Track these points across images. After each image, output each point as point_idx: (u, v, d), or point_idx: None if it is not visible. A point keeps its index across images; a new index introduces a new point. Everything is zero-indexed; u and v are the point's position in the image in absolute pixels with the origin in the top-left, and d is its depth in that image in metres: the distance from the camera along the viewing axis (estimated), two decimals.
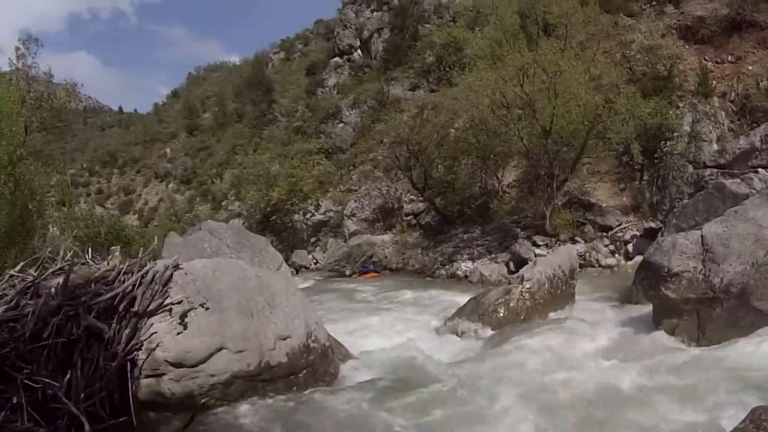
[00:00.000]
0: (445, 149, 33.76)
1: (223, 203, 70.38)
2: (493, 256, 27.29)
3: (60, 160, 30.94)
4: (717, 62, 32.79)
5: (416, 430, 8.63)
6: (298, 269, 37.89)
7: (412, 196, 37.99)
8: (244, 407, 9.58)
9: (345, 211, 40.29)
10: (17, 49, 21.79)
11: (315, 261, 40.47)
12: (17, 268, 9.87)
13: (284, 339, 10.67)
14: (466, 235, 30.74)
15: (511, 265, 25.62)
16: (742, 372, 9.24)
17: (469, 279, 26.19)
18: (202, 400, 9.34)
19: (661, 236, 17.69)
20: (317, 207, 43.99)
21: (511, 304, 15.21)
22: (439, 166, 35.37)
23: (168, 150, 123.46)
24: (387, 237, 36.34)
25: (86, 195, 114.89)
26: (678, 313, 11.89)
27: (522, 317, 15.00)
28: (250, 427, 9.07)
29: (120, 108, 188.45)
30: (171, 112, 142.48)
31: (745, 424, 5.21)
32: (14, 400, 6.93)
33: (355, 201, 40.20)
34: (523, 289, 15.61)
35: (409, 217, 37.69)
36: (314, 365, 11.09)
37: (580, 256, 23.71)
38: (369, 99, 51.15)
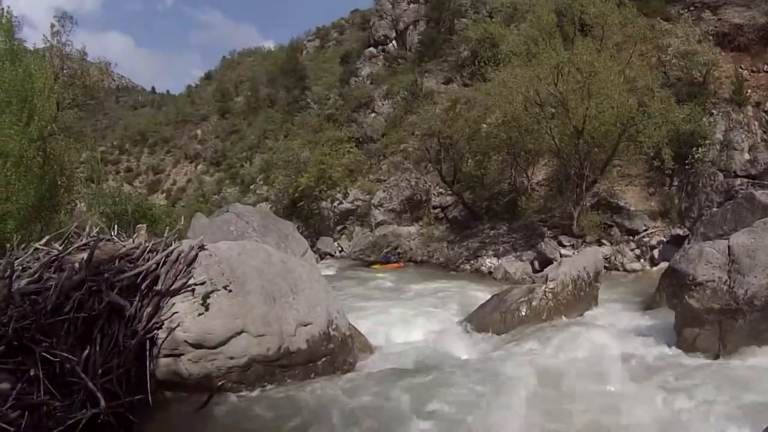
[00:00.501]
0: (476, 144, 33.61)
1: (251, 187, 70.49)
2: (518, 253, 27.24)
3: (91, 137, 31.32)
4: (753, 71, 32.37)
5: (429, 424, 8.66)
6: (322, 256, 37.93)
7: (440, 189, 37.85)
8: (260, 392, 9.68)
9: (373, 201, 40.23)
10: (52, 26, 22.04)
11: (340, 249, 40.48)
12: (42, 241, 9.97)
13: (305, 326, 10.74)
14: (492, 231, 30.66)
15: (536, 263, 25.58)
16: (758, 386, 9.27)
17: (493, 275, 26.19)
18: (219, 383, 9.41)
19: (688, 244, 17.59)
20: (345, 195, 43.94)
21: (534, 303, 15.22)
22: (469, 161, 35.24)
23: (199, 132, 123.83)
24: (413, 229, 36.35)
25: (115, 173, 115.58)
26: (700, 322, 11.83)
27: (544, 317, 15.00)
28: (264, 412, 9.12)
29: (153, 88, 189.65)
30: (204, 95, 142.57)
31: None
32: (32, 373, 6.99)
33: (384, 191, 40.13)
34: (547, 289, 15.60)
35: (436, 210, 37.59)
36: (333, 354, 11.17)
37: (606, 259, 23.63)
38: (402, 90, 51.00)
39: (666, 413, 8.68)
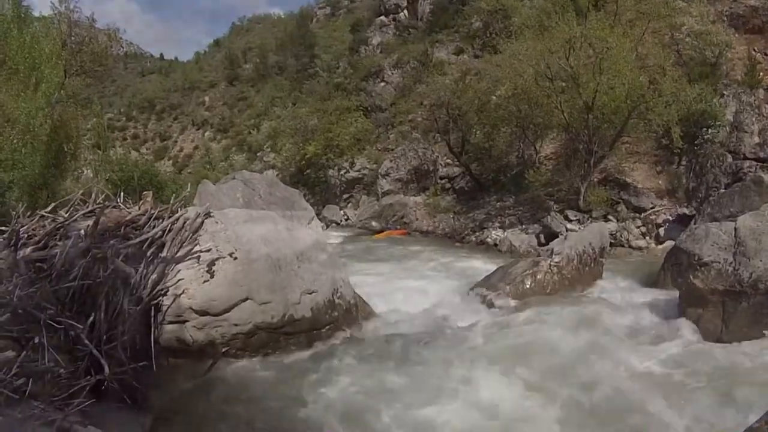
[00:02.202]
0: (485, 116, 33.40)
1: (258, 154, 70.56)
2: (524, 226, 27.23)
3: (98, 104, 31.29)
4: (766, 54, 32.13)
5: (428, 393, 8.73)
6: (328, 224, 37.94)
7: (448, 160, 37.76)
8: (263, 359, 9.78)
9: (380, 170, 40.19)
10: None
11: (346, 217, 40.50)
12: (48, 209, 9.96)
13: (310, 294, 10.81)
14: (498, 204, 30.62)
15: (542, 237, 25.53)
16: (759, 369, 9.30)
17: (499, 248, 26.16)
18: (223, 349, 9.50)
19: (694, 224, 17.57)
20: (352, 164, 43.98)
21: (539, 277, 15.22)
22: (478, 133, 35.14)
23: (207, 99, 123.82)
24: (420, 199, 36.30)
25: (122, 139, 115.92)
26: (704, 303, 11.81)
27: (548, 290, 14.99)
28: (267, 378, 9.24)
29: (161, 55, 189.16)
30: (212, 62, 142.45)
31: (760, 424, 5.24)
32: (36, 340, 7.00)
33: (391, 161, 40.05)
34: (552, 263, 15.60)
35: (443, 181, 37.49)
36: (337, 322, 11.26)
37: (611, 235, 23.54)
38: (412, 60, 50.64)
39: (661, 391, 8.71)
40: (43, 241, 8.63)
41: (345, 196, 43.60)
